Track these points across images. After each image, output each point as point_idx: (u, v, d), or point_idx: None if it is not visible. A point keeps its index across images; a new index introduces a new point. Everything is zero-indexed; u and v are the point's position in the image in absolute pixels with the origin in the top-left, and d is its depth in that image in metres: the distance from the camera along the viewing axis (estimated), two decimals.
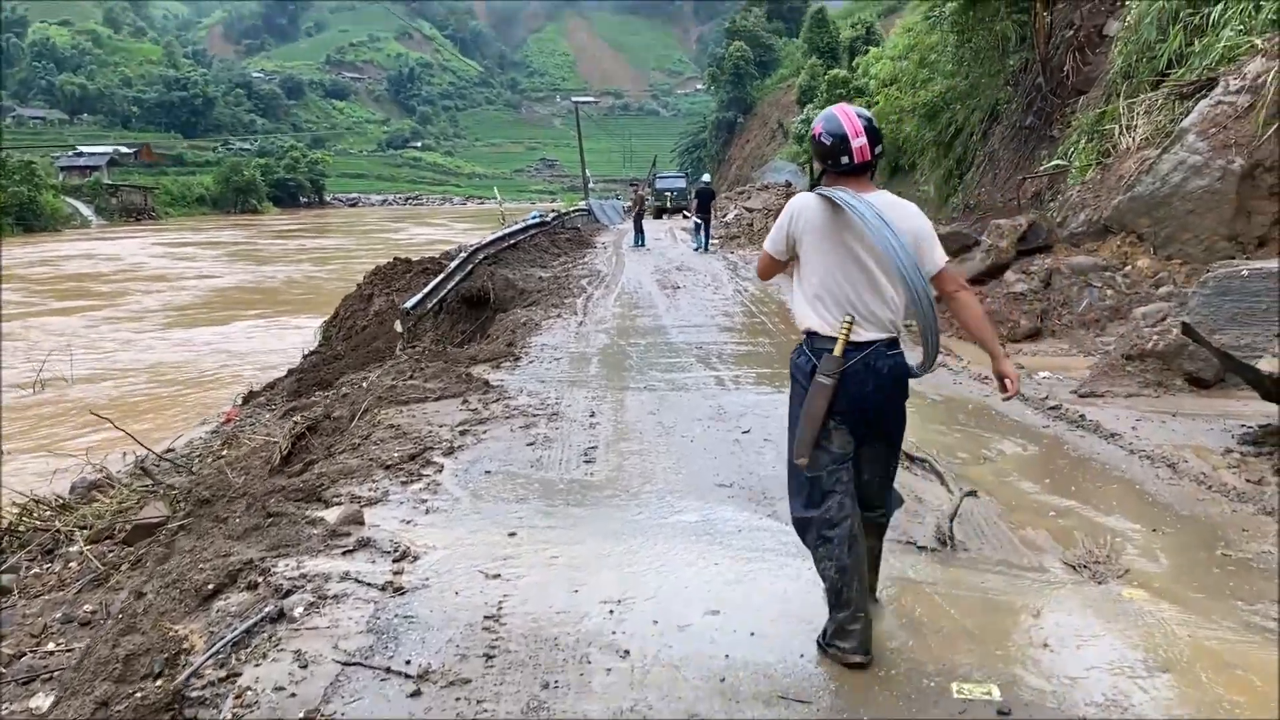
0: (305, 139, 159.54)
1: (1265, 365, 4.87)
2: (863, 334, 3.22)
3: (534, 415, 6.85)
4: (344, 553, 4.39)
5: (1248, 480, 4.83)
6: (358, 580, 4.04)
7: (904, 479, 5.07)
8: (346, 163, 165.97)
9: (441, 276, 15.91)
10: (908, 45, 39.71)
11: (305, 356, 18.38)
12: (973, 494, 4.75)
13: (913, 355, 3.48)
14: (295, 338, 21.97)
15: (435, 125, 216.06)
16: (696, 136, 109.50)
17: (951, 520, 4.32)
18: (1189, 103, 11.73)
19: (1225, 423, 5.86)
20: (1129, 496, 4.76)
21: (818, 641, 3.31)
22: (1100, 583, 3.75)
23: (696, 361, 8.83)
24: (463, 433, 6.46)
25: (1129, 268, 10.65)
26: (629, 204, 30.69)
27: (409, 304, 15.08)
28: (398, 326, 15.26)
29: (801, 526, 3.38)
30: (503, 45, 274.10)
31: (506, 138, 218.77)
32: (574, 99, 66.14)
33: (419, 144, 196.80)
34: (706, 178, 28.68)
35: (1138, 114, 13.83)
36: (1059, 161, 15.51)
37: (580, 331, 10.87)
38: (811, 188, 3.52)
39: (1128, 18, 16.86)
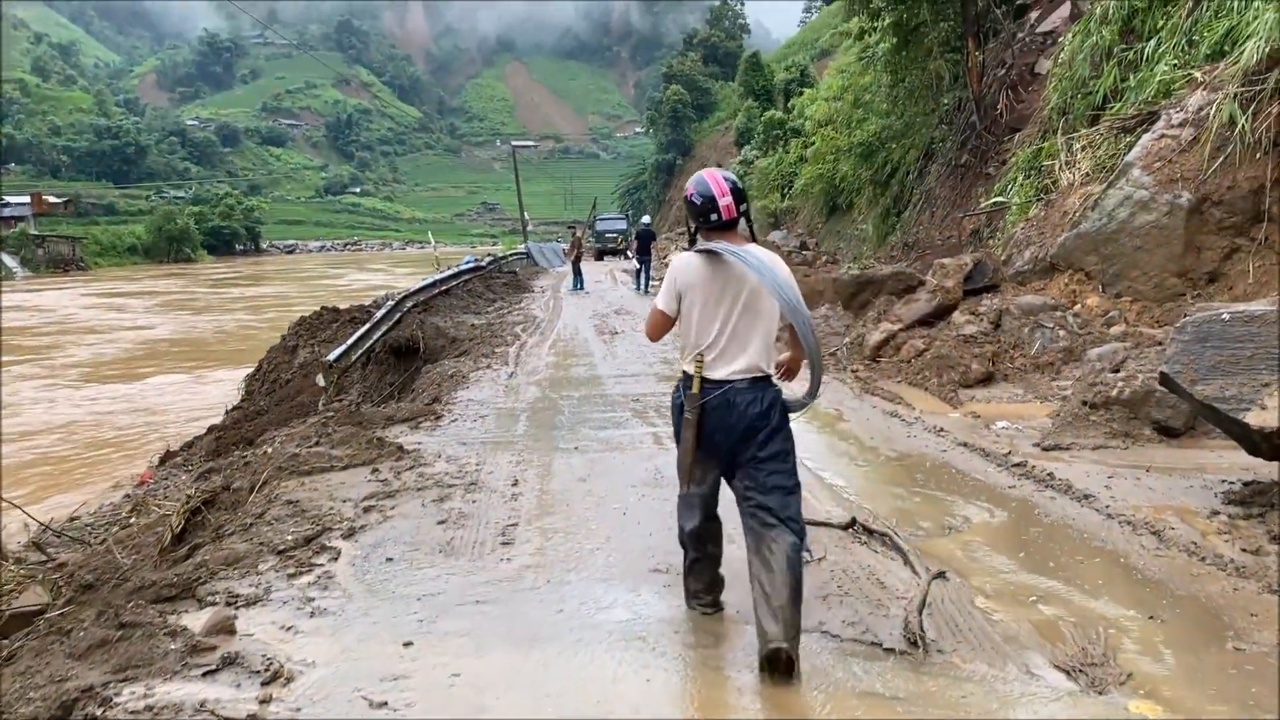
0: (241, 186, 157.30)
1: (1254, 419, 4.37)
2: (720, 372, 3.57)
3: (450, 486, 6.15)
4: (205, 673, 3.66)
5: (1243, 550, 4.30)
6: (214, 714, 3.32)
7: (863, 559, 4.49)
8: (284, 209, 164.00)
9: (367, 326, 15.14)
10: (842, 86, 40.00)
11: (228, 412, 17.57)
12: (942, 575, 4.16)
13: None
14: (221, 391, 20.94)
15: (374, 171, 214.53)
16: (637, 178, 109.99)
17: (921, 612, 3.71)
18: (1131, 137, 11.50)
19: (1204, 478, 5.37)
20: (1115, 573, 4.20)
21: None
22: (1101, 692, 3.16)
23: (633, 416, 8.19)
24: (367, 509, 5.74)
25: (1078, 306, 10.29)
26: (567, 247, 30.19)
27: (331, 356, 14.29)
28: (319, 380, 14.46)
29: (683, 541, 3.91)
30: (441, 91, 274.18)
31: (446, 182, 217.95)
32: (512, 142, 65.77)
33: (358, 189, 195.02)
34: (646, 219, 28.31)
35: (1077, 149, 13.64)
36: (998, 199, 15.27)
37: (510, 384, 10.20)
38: (689, 245, 3.78)
39: (1061, 55, 16.81)
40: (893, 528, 4.79)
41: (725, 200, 3.62)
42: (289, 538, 5.35)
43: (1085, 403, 6.50)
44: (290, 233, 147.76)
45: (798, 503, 3.64)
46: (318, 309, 19.66)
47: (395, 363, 15.98)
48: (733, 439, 3.59)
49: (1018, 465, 5.85)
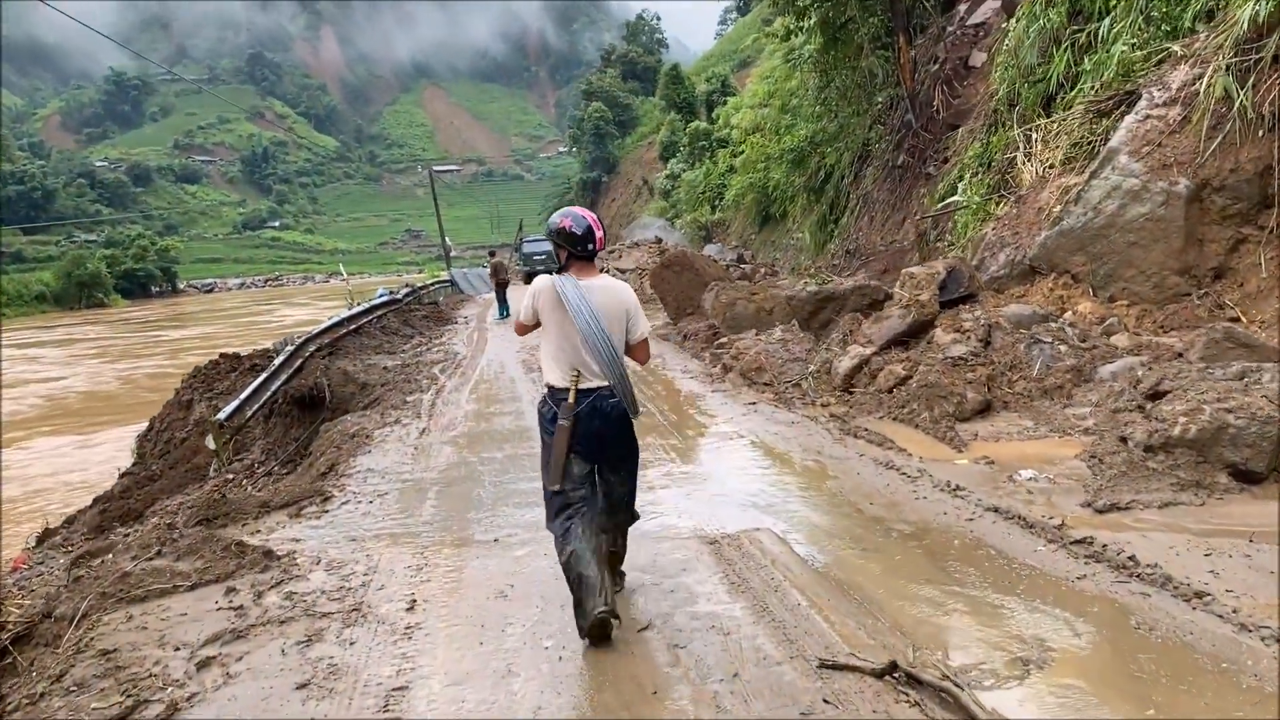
0: (156, 226, 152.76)
1: None
2: (589, 383, 4.24)
3: (324, 614, 4.54)
4: None
5: None
6: None
7: None
8: (202, 248, 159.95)
9: (263, 377, 13.39)
10: (767, 92, 39.03)
11: (120, 476, 15.73)
12: None
13: None
14: (114, 453, 18.94)
15: (293, 203, 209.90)
16: (563, 198, 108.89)
17: None
18: (1108, 121, 10.32)
19: None
20: None
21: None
22: None
23: None
24: (204, 663, 4.12)
25: (1069, 314, 9.03)
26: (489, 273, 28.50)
27: (222, 415, 12.56)
28: (209, 443, 12.67)
29: (558, 543, 4.22)
30: (359, 119, 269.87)
31: (369, 211, 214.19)
32: (431, 166, 63.94)
33: (277, 223, 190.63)
34: None
35: (1037, 140, 12.50)
36: (953, 198, 14.06)
37: (421, 444, 8.57)
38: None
39: (1005, 42, 15.71)
40: (952, 674, 3.29)
41: (599, 234, 4.33)
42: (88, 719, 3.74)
43: (1143, 447, 5.12)
44: (209, 271, 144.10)
45: (634, 491, 4.55)
46: (216, 357, 17.80)
47: (300, 415, 14.26)
48: (600, 439, 4.26)
49: (1079, 543, 4.40)
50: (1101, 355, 7.54)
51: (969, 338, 7.96)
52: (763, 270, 26.08)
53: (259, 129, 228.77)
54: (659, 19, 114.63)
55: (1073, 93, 12.59)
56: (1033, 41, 14.34)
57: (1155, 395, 5.86)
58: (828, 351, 9.21)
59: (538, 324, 4.41)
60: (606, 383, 4.21)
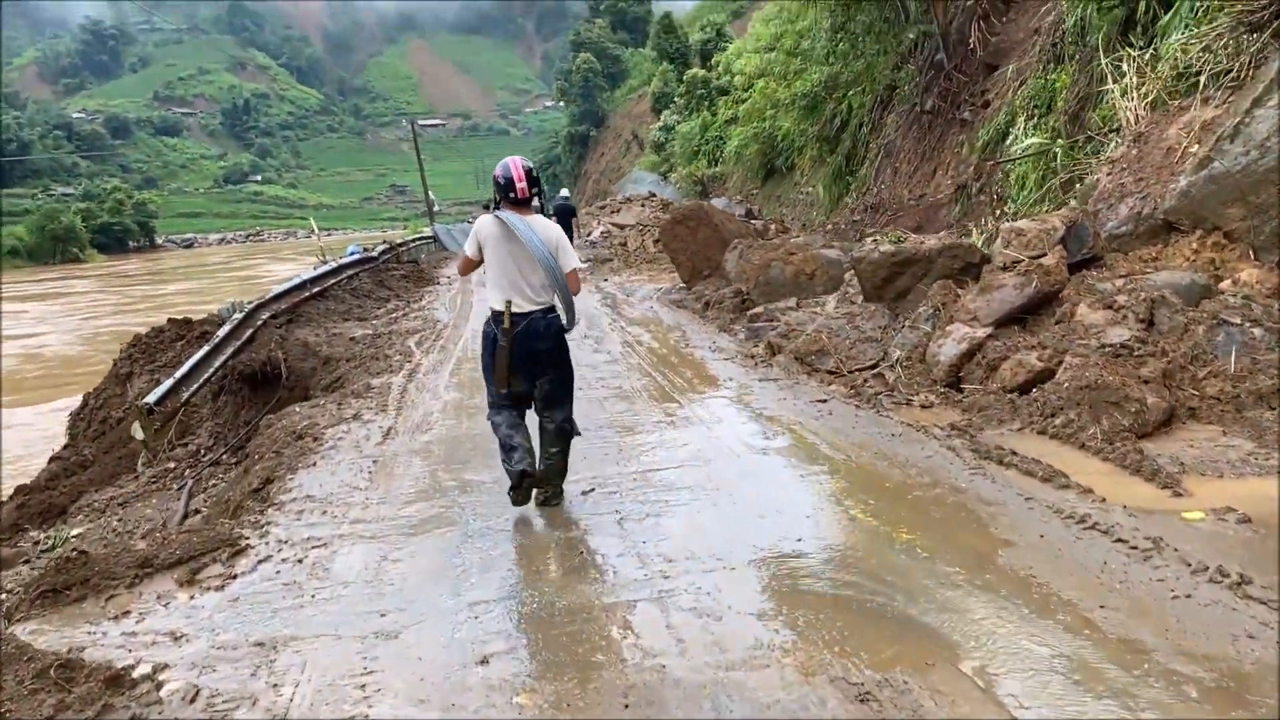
0: (136, 180, 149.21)
1: None
2: (525, 308, 4.81)
3: None
4: None
5: None
6: None
7: None
8: (182, 202, 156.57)
9: (204, 351, 11.19)
10: (773, 34, 36.49)
11: (49, 461, 13.73)
12: None
13: None
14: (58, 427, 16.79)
15: (276, 157, 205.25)
16: (550, 153, 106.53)
17: None
18: (1262, 36, 8.14)
19: None
20: None
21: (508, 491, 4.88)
22: None
23: (593, 538, 4.56)
24: None
25: (1226, 282, 6.91)
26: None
27: (151, 398, 10.44)
28: (136, 432, 10.54)
29: (493, 426, 5.00)
30: (342, 71, 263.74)
31: (353, 165, 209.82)
32: (413, 120, 61.19)
33: (259, 178, 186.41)
34: (564, 193, 24.63)
35: (1131, 72, 10.32)
36: (1030, 141, 11.86)
37: (382, 454, 6.42)
38: (486, 209, 5.10)
39: None
40: None
41: (521, 184, 4.91)
42: None
43: None
44: (189, 226, 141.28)
45: (571, 402, 5.12)
46: (162, 324, 15.55)
47: (252, 395, 12.13)
48: (536, 356, 4.88)
49: None
50: None
51: (1125, 316, 5.85)
52: (773, 227, 23.87)
53: (240, 80, 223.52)
54: None
55: (1169, 16, 10.42)
56: None
57: None
58: (912, 330, 7.08)
59: (481, 260, 4.99)
60: (544, 304, 4.84)
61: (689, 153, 46.95)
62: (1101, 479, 4.50)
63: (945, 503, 4.44)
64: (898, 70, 21.17)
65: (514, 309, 4.75)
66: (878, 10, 21.12)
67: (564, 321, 4.87)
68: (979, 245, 7.80)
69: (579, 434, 5.18)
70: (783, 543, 4.16)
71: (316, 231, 25.12)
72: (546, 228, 4.88)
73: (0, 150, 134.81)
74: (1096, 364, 5.35)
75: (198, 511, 8.94)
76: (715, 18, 65.53)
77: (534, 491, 4.91)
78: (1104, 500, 4.22)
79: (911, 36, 20.41)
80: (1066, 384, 5.36)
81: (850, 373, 7.09)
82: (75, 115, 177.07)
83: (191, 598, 4.24)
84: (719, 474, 5.23)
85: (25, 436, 18.27)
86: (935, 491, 4.60)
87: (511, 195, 4.87)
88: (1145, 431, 5.01)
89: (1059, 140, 11.17)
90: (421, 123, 79.20)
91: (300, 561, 4.51)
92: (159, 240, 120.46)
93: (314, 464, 6.33)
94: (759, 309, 9.90)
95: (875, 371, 6.85)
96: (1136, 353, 5.53)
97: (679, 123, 52.54)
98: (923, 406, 6.16)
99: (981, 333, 6.39)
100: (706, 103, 45.75)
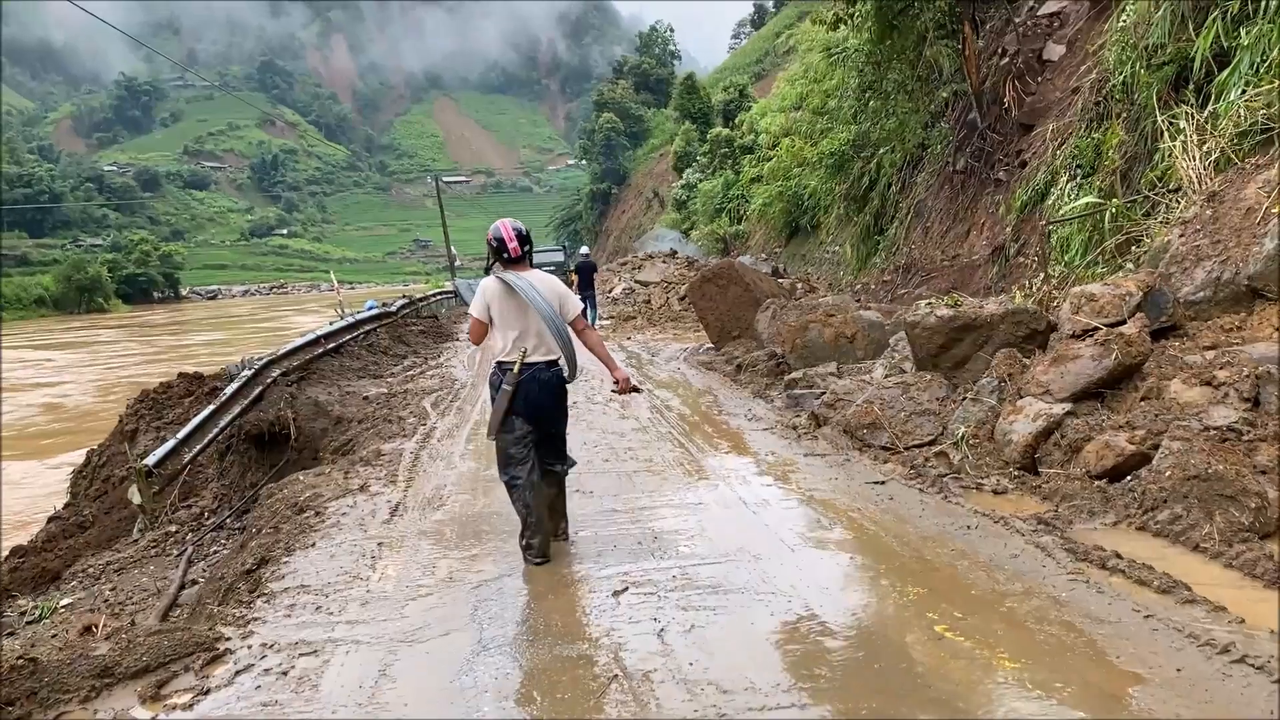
0: (164, 232, 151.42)
1: None
2: (530, 359, 5.06)
3: None
4: None
5: None
6: None
7: None
8: (208, 254, 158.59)
9: (209, 410, 10.61)
10: (799, 94, 36.26)
11: (49, 521, 13.24)
12: None
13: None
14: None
15: (302, 211, 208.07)
16: (571, 210, 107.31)
17: None
18: None
19: None
20: None
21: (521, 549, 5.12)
22: None
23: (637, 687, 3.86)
24: None
25: None
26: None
27: (151, 459, 9.85)
28: (133, 495, 9.93)
29: (504, 480, 5.18)
30: (369, 128, 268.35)
31: (377, 220, 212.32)
32: (438, 175, 61.48)
33: (285, 231, 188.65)
34: (585, 250, 24.22)
35: (1189, 130, 9.74)
36: (1089, 199, 11.22)
37: (389, 536, 5.75)
38: (486, 272, 5.32)
39: (1120, 20, 12.95)
40: None
41: (513, 244, 5.15)
42: None
43: None
44: (214, 277, 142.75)
45: (564, 445, 5.44)
46: (172, 378, 15.04)
47: (259, 456, 11.55)
48: (538, 404, 5.09)
49: None
50: None
51: (1227, 394, 5.16)
52: (800, 285, 23.33)
53: (269, 136, 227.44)
54: (672, 31, 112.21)
55: (1226, 72, 9.87)
56: (1164, 15, 11.64)
57: None
58: (975, 403, 6.40)
59: (490, 322, 5.21)
60: (548, 357, 5.13)
61: (711, 210, 46.73)
62: (1230, 592, 3.78)
63: (1047, 619, 3.72)
64: (929, 129, 20.73)
65: (521, 360, 5.03)
66: (910, 69, 20.76)
67: (565, 373, 5.20)
68: (1037, 309, 7.13)
69: (574, 463, 5.59)
70: (864, 672, 3.45)
71: (336, 285, 24.67)
72: (546, 282, 5.16)
73: (32, 201, 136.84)
74: (1202, 449, 4.65)
75: (195, 582, 8.33)
76: (738, 79, 65.99)
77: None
78: (1243, 621, 3.51)
79: (944, 95, 19.99)
80: (1169, 472, 4.66)
81: (907, 449, 6.40)
82: (107, 168, 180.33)
83: (154, 719, 3.58)
84: (772, 574, 4.51)
85: (33, 492, 17.79)
86: (1032, 603, 3.88)
87: (505, 255, 5.16)
88: (1268, 531, 4.30)
89: (1114, 200, 10.55)
90: (446, 179, 79.66)
91: (285, 674, 3.83)
92: (183, 291, 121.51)
93: (312, 544, 5.68)
94: (797, 374, 9.24)
95: (937, 450, 6.16)
96: (1246, 437, 4.83)
97: (701, 181, 52.49)
98: (996, 492, 5.45)
99: (1058, 409, 5.70)
100: (730, 161, 45.60)
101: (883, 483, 5.87)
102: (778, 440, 7.46)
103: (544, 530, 5.04)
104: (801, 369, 9.44)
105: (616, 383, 5.35)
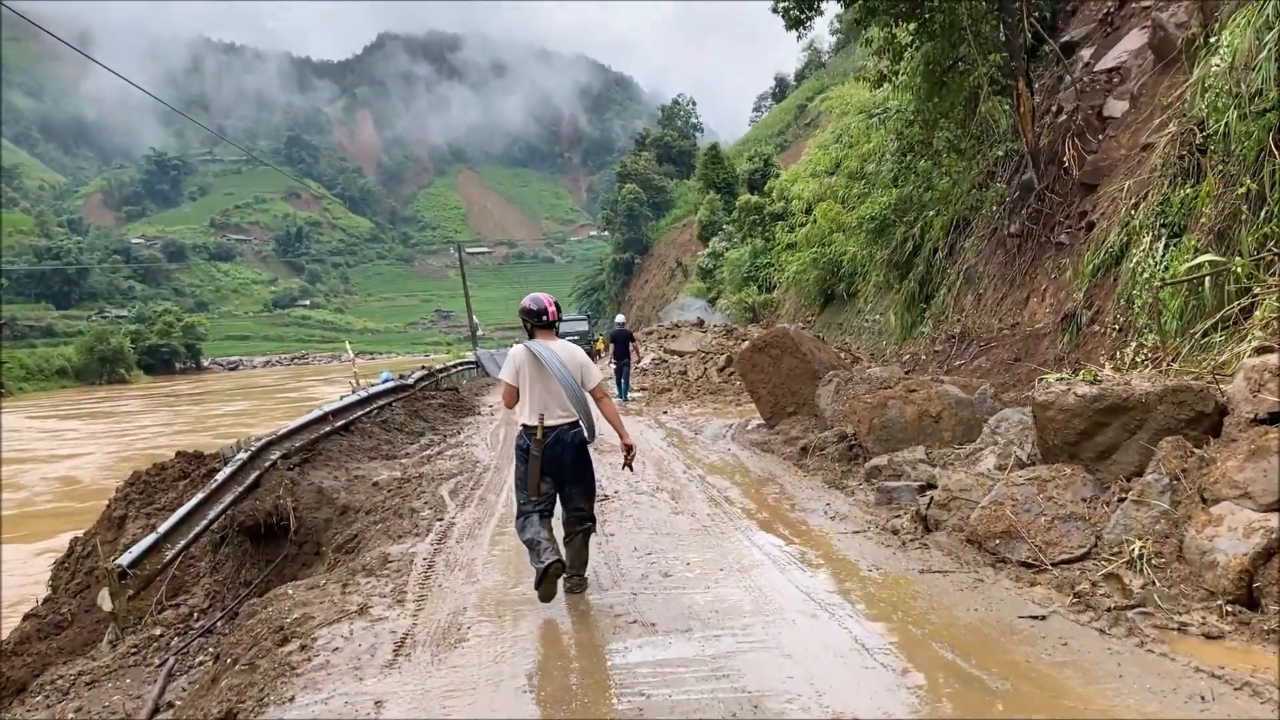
0: (188, 303, 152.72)
1: None
2: (552, 422, 5.46)
3: None
4: None
5: None
6: None
7: None
8: (231, 325, 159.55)
9: (196, 500, 9.28)
10: (833, 159, 35.34)
11: (24, 619, 12.09)
12: None
13: None
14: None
15: (325, 283, 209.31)
16: (594, 279, 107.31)
17: None
18: None
19: None
20: None
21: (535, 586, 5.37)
22: None
23: None
24: None
25: None
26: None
27: (126, 559, 8.55)
28: (104, 601, 8.57)
29: (520, 529, 5.50)
30: (393, 201, 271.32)
31: (399, 291, 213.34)
32: (460, 244, 60.98)
33: (307, 302, 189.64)
34: (620, 319, 23.05)
35: None
36: (1209, 257, 9.84)
37: (387, 691, 4.35)
38: (530, 336, 5.74)
39: (1213, 63, 11.72)
40: None
41: (551, 308, 5.73)
42: None
43: None
44: (236, 348, 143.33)
45: (592, 503, 5.77)
46: (169, 458, 13.77)
47: (255, 550, 10.24)
48: (563, 463, 5.50)
49: None
50: None
51: None
52: (843, 355, 21.95)
53: (294, 209, 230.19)
54: (694, 104, 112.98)
55: None
56: (1270, 55, 10.42)
57: None
58: (1140, 507, 4.98)
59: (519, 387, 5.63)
60: (569, 419, 5.51)
61: (739, 279, 45.76)
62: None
63: None
64: (982, 189, 19.52)
65: (545, 423, 5.42)
66: (960, 129, 19.65)
67: (585, 434, 5.55)
68: (1204, 387, 5.72)
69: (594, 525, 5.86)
70: None
71: (352, 355, 23.55)
72: (568, 351, 5.63)
73: (59, 273, 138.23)
74: None
75: (170, 705, 7.01)
76: (762, 149, 65.66)
77: (560, 580, 5.47)
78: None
79: (999, 153, 18.83)
80: None
81: (1055, 565, 4.97)
82: (134, 240, 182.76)
83: None
84: None
85: (22, 580, 16.55)
86: None
87: (545, 319, 5.71)
88: None
89: (1237, 258, 9.19)
90: (469, 249, 79.41)
91: None
92: (205, 362, 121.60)
93: (290, 698, 4.28)
94: (880, 460, 7.83)
95: (1104, 571, 4.72)
96: None
97: (727, 249, 51.70)
98: (1208, 636, 4.01)
99: (1275, 520, 4.29)
100: (760, 229, 44.69)
101: (1043, 618, 4.41)
102: (876, 548, 6.00)
103: (556, 544, 5.41)
104: (883, 454, 8.04)
105: (627, 449, 5.70)
